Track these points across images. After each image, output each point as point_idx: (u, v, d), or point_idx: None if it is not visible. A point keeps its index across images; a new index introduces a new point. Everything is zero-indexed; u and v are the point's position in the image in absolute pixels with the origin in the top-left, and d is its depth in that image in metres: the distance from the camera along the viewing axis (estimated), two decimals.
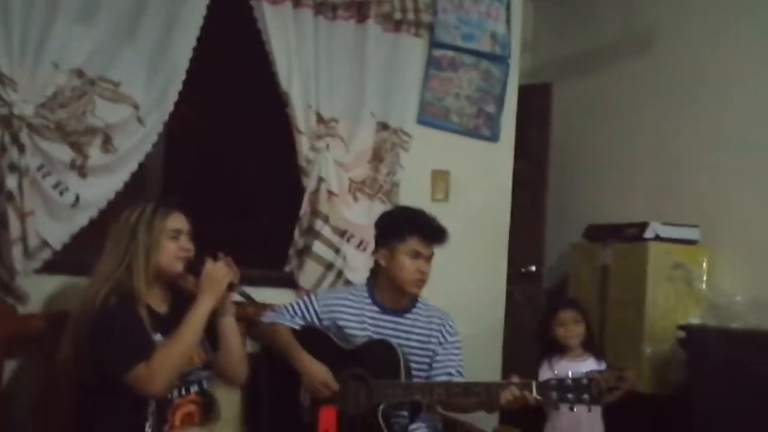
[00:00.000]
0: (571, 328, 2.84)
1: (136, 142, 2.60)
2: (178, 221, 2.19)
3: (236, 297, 2.27)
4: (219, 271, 2.15)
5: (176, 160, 2.91)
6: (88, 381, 2.06)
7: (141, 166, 2.64)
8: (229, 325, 2.26)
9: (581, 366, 2.64)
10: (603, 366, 2.64)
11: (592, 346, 2.91)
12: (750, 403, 2.72)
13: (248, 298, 2.28)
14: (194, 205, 2.25)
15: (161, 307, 2.20)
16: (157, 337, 2.08)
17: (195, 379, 2.17)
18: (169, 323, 2.11)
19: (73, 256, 2.48)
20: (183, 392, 2.12)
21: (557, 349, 2.85)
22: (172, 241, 2.17)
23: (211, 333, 2.22)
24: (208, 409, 2.19)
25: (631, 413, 3.22)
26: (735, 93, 3.36)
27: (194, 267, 2.17)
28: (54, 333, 2.26)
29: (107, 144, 2.53)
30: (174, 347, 2.02)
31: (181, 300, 2.19)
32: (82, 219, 2.51)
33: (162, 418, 2.05)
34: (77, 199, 2.48)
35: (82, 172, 2.49)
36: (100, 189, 2.55)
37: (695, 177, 3.53)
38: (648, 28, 3.82)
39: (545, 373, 2.67)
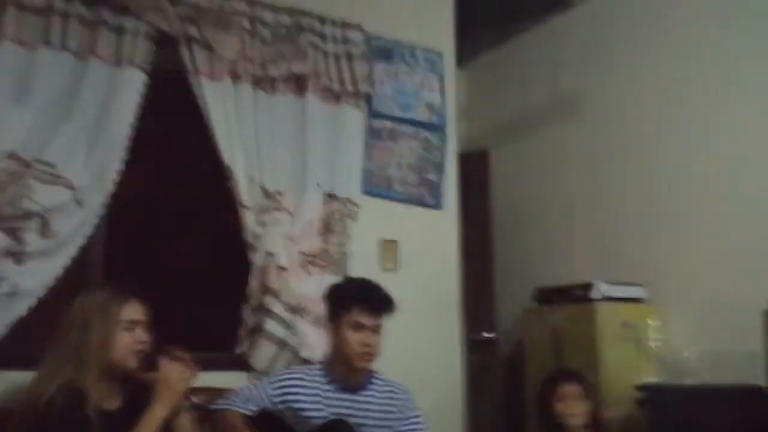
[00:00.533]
0: (571, 404, 2.59)
1: (76, 225, 2.50)
2: (134, 311, 2.06)
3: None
4: (176, 375, 2.02)
5: (118, 240, 2.80)
6: None
7: (82, 249, 2.53)
8: (184, 426, 2.10)
9: None
10: None
11: (598, 428, 2.62)
12: None
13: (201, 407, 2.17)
14: (139, 286, 2.13)
15: (113, 403, 2.04)
16: None
17: None
18: (121, 420, 1.97)
19: (11, 350, 2.33)
20: None
21: (557, 430, 2.59)
22: (127, 333, 2.03)
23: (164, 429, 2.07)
24: None
25: None
26: (660, 150, 3.50)
27: (150, 364, 2.03)
28: None
29: (45, 228, 2.42)
30: None
31: (135, 392, 2.05)
32: (19, 308, 2.37)
33: None
34: (14, 287, 2.34)
35: (18, 258, 2.36)
36: (38, 276, 2.42)
37: (636, 236, 3.62)
38: (573, 91, 3.99)
39: None
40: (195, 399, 2.13)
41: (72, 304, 2.04)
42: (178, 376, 2.02)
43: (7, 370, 2.32)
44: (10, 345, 2.35)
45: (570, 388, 2.60)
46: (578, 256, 3.91)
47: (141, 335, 2.05)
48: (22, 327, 2.37)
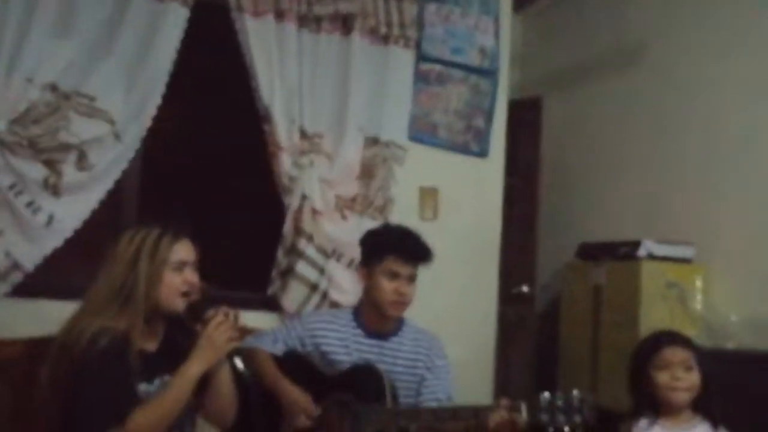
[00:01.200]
0: (680, 374, 2.07)
1: (113, 158, 2.52)
2: (184, 251, 1.95)
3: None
4: (221, 336, 1.91)
5: (153, 176, 2.82)
6: (54, 422, 1.88)
7: (117, 183, 2.55)
8: (222, 374, 2.00)
9: None
10: None
11: (708, 407, 2.12)
12: (744, 427, 2.65)
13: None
14: (192, 226, 2.01)
15: (151, 345, 1.97)
16: (142, 386, 1.89)
17: (176, 425, 1.96)
18: (158, 363, 1.93)
19: (47, 280, 2.39)
20: None
21: (653, 406, 2.11)
22: (176, 273, 1.93)
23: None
24: None
25: None
26: (728, 106, 3.31)
27: (197, 312, 1.94)
28: (26, 361, 2.17)
29: (82, 161, 2.45)
30: (152, 413, 1.82)
31: (174, 333, 2.00)
32: (56, 240, 2.42)
33: None
34: (51, 218, 2.39)
35: (55, 190, 2.40)
36: (74, 208, 2.46)
37: (689, 194, 3.48)
38: (638, 42, 3.78)
39: None
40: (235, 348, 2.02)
41: (120, 238, 1.94)
42: (223, 337, 1.91)
43: (44, 299, 2.37)
44: (47, 276, 2.40)
45: (678, 354, 2.09)
46: (627, 213, 3.79)
47: (190, 276, 1.95)
48: (58, 259, 2.41)
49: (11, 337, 2.27)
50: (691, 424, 2.08)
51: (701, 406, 2.09)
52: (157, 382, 1.94)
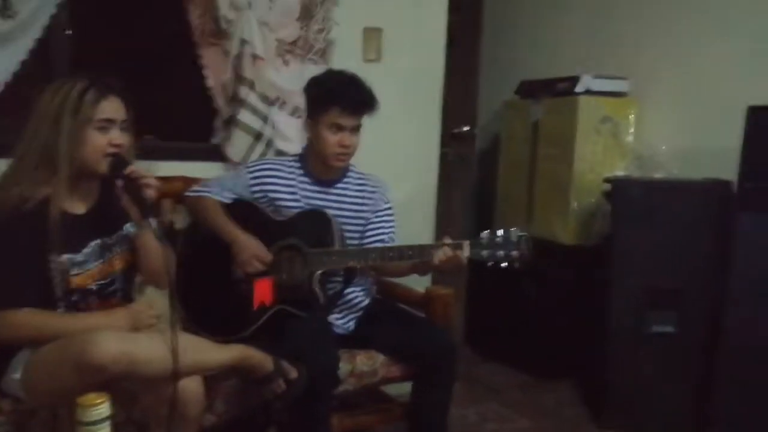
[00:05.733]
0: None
1: (38, 3, 2.36)
2: (111, 108, 1.83)
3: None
4: (143, 314, 1.86)
5: (84, 23, 2.67)
6: None
7: (47, 31, 2.42)
8: (145, 238, 1.96)
9: None
10: None
11: None
12: (666, 247, 2.87)
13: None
14: (120, 81, 1.88)
15: (80, 207, 1.92)
16: (65, 257, 1.83)
17: (117, 288, 1.99)
18: (87, 226, 1.90)
19: None
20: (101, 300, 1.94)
21: None
22: (101, 132, 1.83)
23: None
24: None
25: (558, 264, 3.39)
26: None
27: (117, 168, 1.84)
28: None
29: (5, 9, 2.30)
30: (39, 322, 1.77)
31: (107, 199, 1.92)
32: None
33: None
34: None
35: None
36: (3, 60, 2.34)
37: (626, 27, 3.51)
38: None
39: None
40: (159, 219, 1.95)
41: (43, 94, 1.82)
42: (145, 317, 1.88)
43: None
44: None
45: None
46: (565, 50, 3.81)
47: (116, 136, 1.84)
48: None
49: None
50: None
51: None
52: (86, 250, 1.90)
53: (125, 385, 1.77)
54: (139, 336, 1.79)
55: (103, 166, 1.86)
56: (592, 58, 3.63)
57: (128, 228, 2.01)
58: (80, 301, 1.90)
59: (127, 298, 2.05)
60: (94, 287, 1.92)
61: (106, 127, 1.84)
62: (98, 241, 1.93)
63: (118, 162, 1.86)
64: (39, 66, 2.44)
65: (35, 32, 2.40)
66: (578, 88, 3.30)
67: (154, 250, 1.95)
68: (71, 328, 1.77)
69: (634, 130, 3.40)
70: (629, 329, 2.96)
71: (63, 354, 1.70)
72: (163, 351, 1.71)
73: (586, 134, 3.31)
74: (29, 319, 1.77)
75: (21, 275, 1.78)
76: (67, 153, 1.80)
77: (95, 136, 1.83)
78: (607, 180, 3.12)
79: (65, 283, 1.86)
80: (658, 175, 3.12)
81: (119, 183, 1.86)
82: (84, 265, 1.89)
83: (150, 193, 1.86)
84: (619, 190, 3.01)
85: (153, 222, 1.86)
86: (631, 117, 3.39)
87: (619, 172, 3.30)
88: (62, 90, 1.81)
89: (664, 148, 3.21)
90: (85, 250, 1.90)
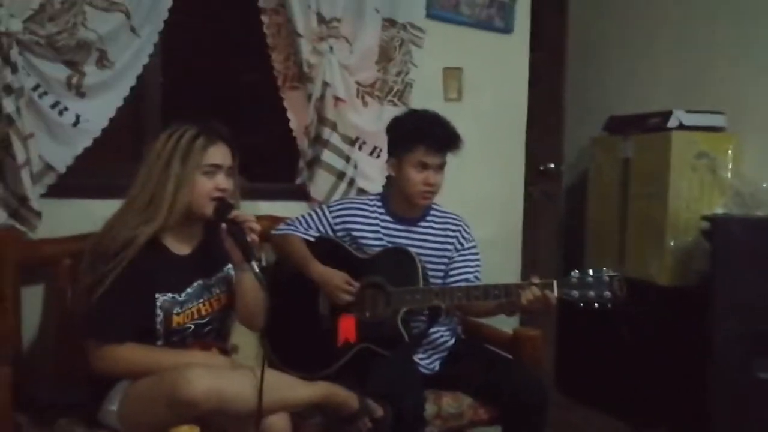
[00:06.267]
0: None
1: (132, 54, 2.48)
2: (218, 154, 1.92)
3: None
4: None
5: (174, 72, 2.78)
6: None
7: (139, 79, 2.53)
8: (245, 280, 2.00)
9: None
10: None
11: None
12: None
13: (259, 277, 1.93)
14: (228, 128, 1.98)
15: (185, 249, 2.00)
16: (167, 297, 1.91)
17: (212, 328, 2.05)
18: (189, 266, 1.98)
19: (79, 180, 2.42)
20: (196, 339, 2.00)
21: None
22: (208, 177, 1.91)
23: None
24: (223, 352, 2.04)
25: (653, 305, 3.23)
26: None
27: (222, 212, 1.92)
28: (66, 258, 2.23)
29: (103, 59, 2.41)
30: (139, 358, 1.83)
31: (211, 242, 2.01)
32: (84, 140, 2.41)
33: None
34: (78, 119, 2.38)
35: (79, 90, 2.37)
36: (100, 107, 2.43)
37: (720, 62, 3.38)
38: None
39: None
40: (259, 260, 1.96)
41: (156, 140, 1.93)
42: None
43: (78, 198, 2.42)
44: (79, 176, 2.42)
45: None
46: (657, 85, 3.70)
47: (222, 181, 1.93)
48: (89, 158, 2.43)
49: (50, 237, 2.31)
50: None
51: None
52: (189, 290, 1.97)
53: (217, 420, 1.79)
54: (230, 373, 1.82)
55: (209, 210, 1.93)
56: (684, 93, 3.50)
57: (228, 270, 2.07)
58: (178, 339, 1.96)
59: (221, 338, 2.09)
60: (191, 326, 1.98)
61: (212, 172, 1.92)
62: (200, 281, 2.01)
63: (224, 206, 1.93)
64: (133, 112, 2.53)
65: (130, 80, 2.50)
66: (670, 124, 3.19)
67: (251, 291, 2.00)
68: (170, 363, 1.80)
69: (732, 166, 3.24)
70: (733, 376, 2.78)
71: (157, 389, 1.75)
72: (252, 388, 1.74)
73: (681, 171, 3.18)
74: (131, 353, 1.84)
75: (126, 311, 1.84)
76: (175, 196, 1.87)
77: (202, 180, 1.91)
78: (705, 218, 2.97)
79: (167, 321, 1.92)
80: (759, 212, 2.95)
81: (224, 226, 1.93)
82: (185, 305, 1.96)
83: (253, 237, 1.92)
84: (719, 228, 2.87)
85: (255, 265, 1.90)
86: (729, 152, 3.24)
87: (718, 210, 3.14)
88: (173, 136, 1.91)
89: (765, 185, 3.04)
90: (188, 290, 1.97)
